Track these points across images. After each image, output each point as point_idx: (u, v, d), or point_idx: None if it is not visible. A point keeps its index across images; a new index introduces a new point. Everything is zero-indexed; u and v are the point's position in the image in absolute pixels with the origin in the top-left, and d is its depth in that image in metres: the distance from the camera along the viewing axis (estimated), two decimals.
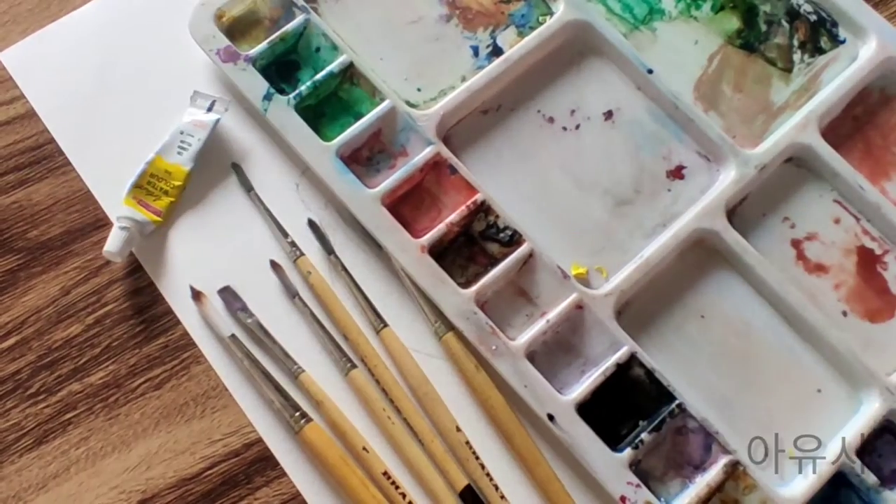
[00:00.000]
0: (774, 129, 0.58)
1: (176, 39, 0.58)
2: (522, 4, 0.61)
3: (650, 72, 0.58)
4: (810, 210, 0.56)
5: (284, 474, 0.50)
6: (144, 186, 0.54)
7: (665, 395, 0.50)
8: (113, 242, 0.52)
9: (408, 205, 0.55)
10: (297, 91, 0.56)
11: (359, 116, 0.56)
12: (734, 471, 0.49)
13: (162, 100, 0.58)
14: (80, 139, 0.57)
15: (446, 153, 0.55)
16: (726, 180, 0.55)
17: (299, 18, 0.58)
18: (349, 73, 0.57)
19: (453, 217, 0.53)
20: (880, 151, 0.58)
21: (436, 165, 0.55)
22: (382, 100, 0.56)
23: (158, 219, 0.54)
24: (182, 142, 0.55)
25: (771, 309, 0.54)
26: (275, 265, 0.54)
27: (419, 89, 0.58)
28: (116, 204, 0.55)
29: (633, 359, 0.51)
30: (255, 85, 0.56)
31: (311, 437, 0.49)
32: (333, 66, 0.57)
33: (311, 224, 0.55)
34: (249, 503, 0.49)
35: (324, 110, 0.57)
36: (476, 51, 0.60)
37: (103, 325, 0.53)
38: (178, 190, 0.55)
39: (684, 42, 0.60)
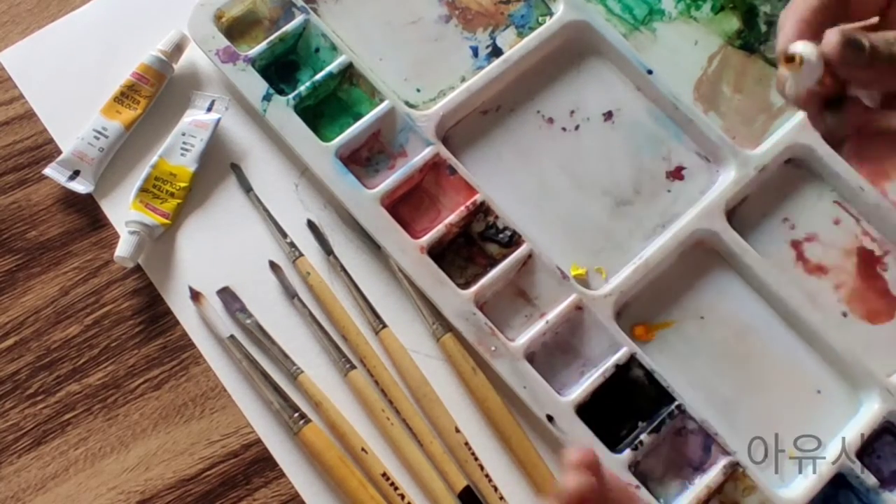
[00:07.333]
0: (774, 129, 0.57)
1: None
2: (522, 5, 0.61)
3: (650, 72, 0.58)
4: (810, 211, 0.56)
5: (283, 475, 0.49)
6: (150, 190, 0.54)
7: (664, 396, 0.50)
8: (124, 247, 0.52)
9: (407, 205, 0.55)
10: (296, 91, 0.56)
11: (358, 117, 0.56)
12: (734, 472, 0.49)
13: (161, 101, 0.57)
14: None
15: (445, 154, 0.55)
16: (726, 181, 0.55)
17: (298, 19, 0.58)
18: (348, 73, 0.57)
19: (452, 218, 0.53)
20: None
21: (435, 166, 0.55)
22: (382, 100, 0.56)
23: (167, 221, 0.54)
24: (185, 143, 0.55)
25: (771, 310, 0.54)
26: (274, 266, 0.54)
27: (418, 90, 0.58)
28: (115, 204, 0.55)
29: (632, 360, 0.51)
30: (255, 85, 0.56)
31: (309, 438, 0.49)
32: (333, 66, 0.57)
33: (311, 224, 0.55)
34: None
35: (323, 111, 0.57)
36: (475, 51, 0.59)
37: (102, 325, 0.53)
38: (185, 191, 0.55)
39: (684, 43, 0.60)
